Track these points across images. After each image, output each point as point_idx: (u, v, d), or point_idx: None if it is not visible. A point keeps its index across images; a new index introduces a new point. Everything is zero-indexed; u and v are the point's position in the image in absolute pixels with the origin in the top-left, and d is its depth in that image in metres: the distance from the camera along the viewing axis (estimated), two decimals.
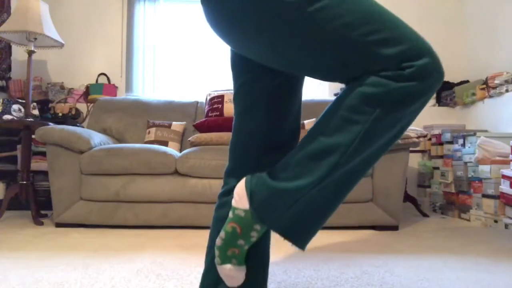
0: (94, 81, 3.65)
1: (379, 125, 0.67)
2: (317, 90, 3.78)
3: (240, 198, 0.78)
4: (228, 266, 0.79)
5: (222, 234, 0.79)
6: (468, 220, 2.76)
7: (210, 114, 2.87)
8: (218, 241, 0.79)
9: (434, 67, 0.66)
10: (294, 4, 0.68)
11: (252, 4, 0.71)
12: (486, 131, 3.03)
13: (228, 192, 0.89)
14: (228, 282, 0.81)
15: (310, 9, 0.67)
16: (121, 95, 3.65)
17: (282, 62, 0.75)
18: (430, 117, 3.63)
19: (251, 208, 0.76)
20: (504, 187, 2.37)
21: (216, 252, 0.80)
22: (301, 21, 0.68)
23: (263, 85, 0.85)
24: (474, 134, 2.75)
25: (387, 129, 0.68)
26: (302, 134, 2.44)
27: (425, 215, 2.97)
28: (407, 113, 0.68)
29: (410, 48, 0.65)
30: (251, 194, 0.76)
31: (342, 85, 3.65)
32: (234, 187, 0.88)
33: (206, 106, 2.97)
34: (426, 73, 0.65)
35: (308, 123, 2.79)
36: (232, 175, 0.90)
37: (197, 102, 3.24)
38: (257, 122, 0.86)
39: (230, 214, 0.79)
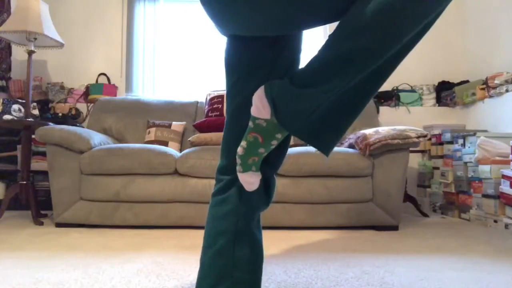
0: (94, 81, 3.65)
1: (405, 20, 0.64)
2: None
3: (260, 107, 0.78)
4: (249, 173, 0.83)
5: (243, 143, 0.82)
6: (468, 220, 2.76)
7: (210, 114, 2.87)
8: (240, 150, 0.82)
9: None
10: None
11: None
12: (486, 131, 3.03)
13: (222, 190, 0.89)
14: (247, 187, 0.85)
15: None
16: (121, 95, 3.65)
17: (287, 22, 0.73)
18: (430, 117, 3.63)
19: (275, 117, 0.77)
20: (504, 187, 2.37)
21: (238, 161, 0.83)
22: None
23: (255, 84, 0.85)
24: (474, 134, 2.75)
25: (414, 24, 0.65)
26: None
27: (425, 215, 2.97)
28: (431, 8, 0.65)
29: None
30: (274, 103, 0.77)
31: None
32: (227, 184, 0.89)
33: (206, 106, 2.97)
34: None
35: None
36: (225, 173, 0.91)
37: (197, 102, 3.24)
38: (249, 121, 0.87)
39: (251, 124, 0.80)
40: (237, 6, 0.74)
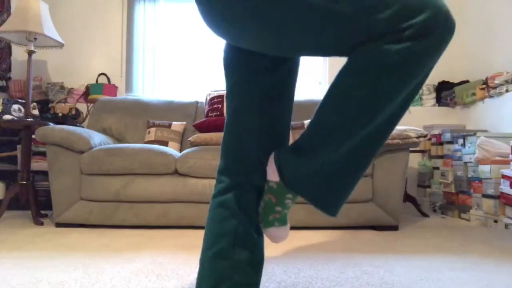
0: (94, 81, 3.65)
1: (388, 89, 0.65)
2: (317, 90, 3.78)
3: (270, 172, 0.85)
4: (271, 228, 0.86)
5: (261, 203, 0.87)
6: (468, 220, 2.76)
7: (210, 114, 2.87)
8: (260, 209, 0.87)
9: (437, 20, 0.61)
10: None
11: None
12: (486, 131, 3.03)
13: (222, 193, 0.89)
14: (273, 241, 0.89)
15: None
16: (121, 95, 3.65)
17: (281, 46, 0.75)
18: (430, 117, 3.63)
19: (281, 181, 0.82)
20: (504, 187, 2.37)
21: (260, 218, 0.87)
22: (288, 2, 0.67)
23: (255, 85, 0.85)
24: (474, 134, 2.75)
25: (397, 91, 0.66)
26: (293, 135, 2.42)
27: (425, 215, 2.97)
28: (416, 73, 0.65)
29: (404, 6, 0.61)
30: (279, 168, 0.82)
31: None
32: (228, 186, 0.89)
33: (206, 106, 2.97)
34: (427, 29, 0.61)
35: (308, 123, 2.79)
36: (224, 174, 0.91)
37: (197, 102, 3.24)
38: (248, 123, 0.87)
39: (266, 186, 0.86)
40: (234, 31, 0.77)
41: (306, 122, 2.76)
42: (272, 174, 0.84)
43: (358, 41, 0.66)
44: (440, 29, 0.62)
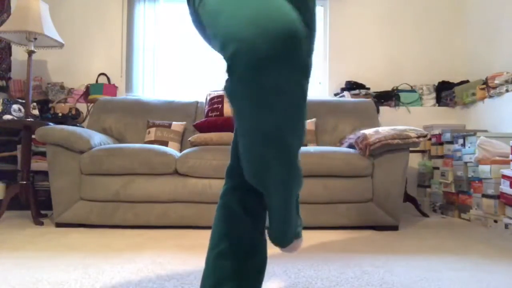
0: (94, 81, 3.65)
1: (245, 128, 0.61)
2: (317, 90, 3.78)
3: None
4: None
5: None
6: (468, 220, 2.76)
7: (210, 114, 2.87)
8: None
9: (236, 58, 0.50)
10: (191, 3, 0.74)
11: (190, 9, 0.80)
12: (486, 131, 3.03)
13: (228, 192, 0.89)
14: (281, 250, 0.92)
15: (198, 6, 0.70)
16: (121, 95, 3.65)
17: None
18: (430, 117, 3.63)
19: None
20: (504, 187, 2.37)
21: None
22: (198, 18, 0.72)
23: None
24: (474, 134, 2.75)
25: (250, 125, 0.60)
26: None
27: (425, 215, 2.97)
28: (248, 117, 0.58)
29: (223, 37, 0.54)
30: None
31: (343, 85, 3.66)
32: (234, 186, 0.89)
33: (206, 106, 2.97)
34: (230, 68, 0.53)
35: (308, 123, 2.79)
36: (231, 174, 0.91)
37: (197, 102, 3.23)
38: None
39: None
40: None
41: (307, 121, 2.76)
42: None
43: None
44: (239, 70, 0.51)
